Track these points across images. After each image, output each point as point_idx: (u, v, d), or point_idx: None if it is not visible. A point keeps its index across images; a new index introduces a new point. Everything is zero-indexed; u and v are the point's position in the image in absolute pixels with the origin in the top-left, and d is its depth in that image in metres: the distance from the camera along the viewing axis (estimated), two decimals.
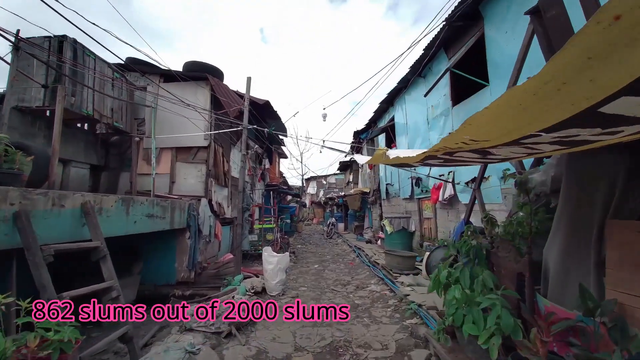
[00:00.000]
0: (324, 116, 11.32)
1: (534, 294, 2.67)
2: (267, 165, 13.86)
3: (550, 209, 2.94)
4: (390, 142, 11.01)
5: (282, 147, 18.33)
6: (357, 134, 15.46)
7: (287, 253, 6.79)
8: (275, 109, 9.80)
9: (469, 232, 3.48)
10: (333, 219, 17.64)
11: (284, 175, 22.59)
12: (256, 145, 11.66)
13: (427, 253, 5.76)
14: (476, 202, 4.34)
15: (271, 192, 17.89)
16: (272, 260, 6.03)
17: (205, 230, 6.83)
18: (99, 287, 3.04)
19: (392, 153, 3.58)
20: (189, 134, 6.99)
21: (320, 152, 15.87)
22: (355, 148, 16.51)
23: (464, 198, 5.99)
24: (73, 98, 4.89)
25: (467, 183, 5.78)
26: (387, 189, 11.16)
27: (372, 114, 12.75)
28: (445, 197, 6.64)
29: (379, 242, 10.78)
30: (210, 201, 7.29)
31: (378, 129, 10.95)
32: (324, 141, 17.80)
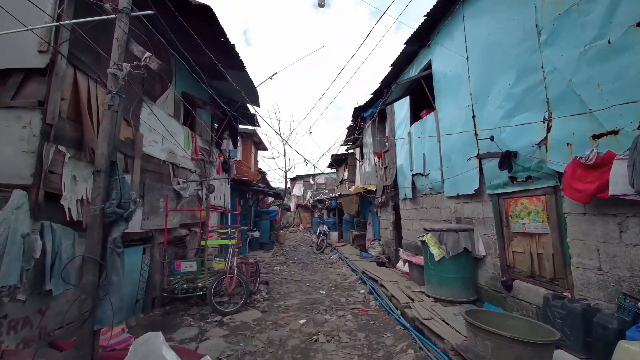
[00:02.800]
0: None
1: None
2: (231, 148, 9.63)
3: None
4: (419, 110, 7.04)
5: (259, 133, 14.13)
6: (357, 113, 11.48)
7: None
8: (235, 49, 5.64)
9: None
10: (325, 227, 13.53)
11: (263, 172, 18.33)
12: (206, 106, 7.46)
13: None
14: None
15: (248, 193, 13.63)
16: None
17: (10, 272, 2.61)
18: None
19: None
20: None
21: (310, 132, 11.80)
22: (355, 132, 12.51)
23: None
24: None
25: None
26: (413, 182, 7.18)
27: (379, 84, 8.79)
28: (620, 189, 2.67)
29: (405, 266, 6.74)
30: (44, 196, 3.06)
31: (400, 86, 6.95)
32: (310, 129, 13.70)
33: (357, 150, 14.92)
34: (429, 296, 4.88)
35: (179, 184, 6.06)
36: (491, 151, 4.41)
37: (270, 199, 24.79)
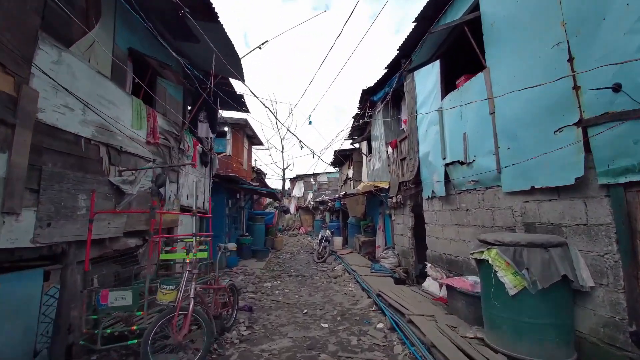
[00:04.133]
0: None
1: None
2: (212, 135, 7.85)
3: None
4: (454, 78, 5.23)
5: (254, 127, 12.36)
6: (365, 97, 9.68)
7: None
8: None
9: None
10: (327, 232, 11.68)
11: (259, 170, 16.55)
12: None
13: None
14: None
15: (239, 193, 11.84)
16: None
17: None
18: None
19: None
20: None
21: (310, 122, 9.98)
22: (362, 120, 10.70)
23: None
24: None
25: None
26: (446, 175, 5.34)
27: (396, 53, 6.99)
28: None
29: (441, 290, 4.89)
30: None
31: (430, 43, 5.05)
32: (310, 117, 11.78)
33: (364, 144, 13.11)
34: (494, 350, 3.05)
35: (120, 175, 4.27)
36: (614, 110, 2.58)
37: (268, 200, 23.01)
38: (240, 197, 12.28)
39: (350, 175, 15.56)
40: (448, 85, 5.48)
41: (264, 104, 14.21)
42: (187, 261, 3.76)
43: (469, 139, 4.68)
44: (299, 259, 11.97)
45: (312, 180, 24.73)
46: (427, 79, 6.01)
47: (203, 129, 7.46)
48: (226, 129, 11.83)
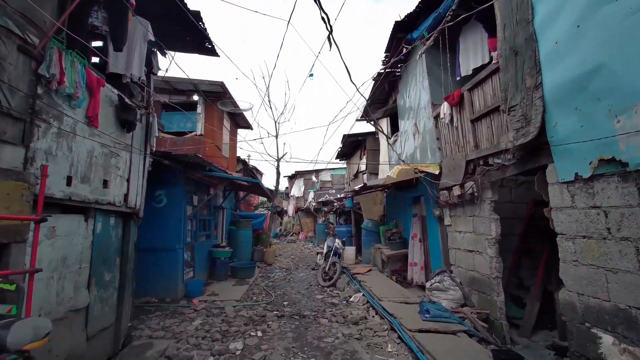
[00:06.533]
0: None
1: None
2: (143, 79, 4.44)
3: None
4: None
5: (235, 98, 9.01)
6: (398, 35, 6.38)
7: None
8: None
9: None
10: (337, 243, 8.32)
11: (246, 161, 13.24)
12: None
13: None
14: None
15: (213, 188, 8.39)
16: None
17: None
18: None
19: None
20: None
21: (311, 75, 6.66)
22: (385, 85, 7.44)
23: None
24: None
25: None
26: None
27: None
28: None
29: None
30: None
31: None
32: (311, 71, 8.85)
33: (385, 122, 9.80)
34: None
35: None
36: None
37: (260, 199, 19.65)
38: (216, 192, 8.94)
39: (363, 168, 12.23)
40: None
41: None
42: None
43: None
44: (296, 279, 8.61)
45: (313, 177, 21.37)
46: None
47: (124, 60, 4.12)
48: (196, 98, 8.53)
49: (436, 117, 5.74)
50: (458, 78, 5.45)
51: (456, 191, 4.75)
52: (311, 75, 6.70)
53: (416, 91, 6.73)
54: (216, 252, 7.91)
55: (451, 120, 5.05)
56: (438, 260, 5.86)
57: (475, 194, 4.38)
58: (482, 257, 4.43)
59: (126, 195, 4.33)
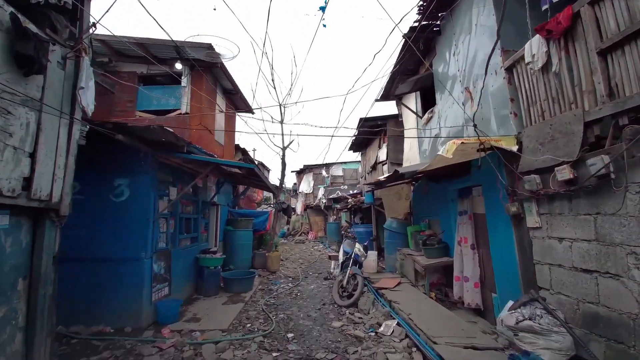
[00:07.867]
0: None
1: None
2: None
3: None
4: None
5: (231, 73, 7.28)
6: None
7: None
8: None
9: None
10: (356, 248, 6.55)
11: (246, 151, 11.59)
12: None
13: None
14: None
15: (211, 180, 6.53)
16: None
17: None
18: None
19: None
20: None
21: (324, 26, 4.92)
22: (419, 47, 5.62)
23: None
24: None
25: None
26: None
27: None
28: None
29: None
30: None
31: None
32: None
33: (414, 98, 7.95)
34: None
35: None
36: None
37: (265, 194, 17.98)
38: (206, 185, 7.27)
39: (383, 158, 10.41)
40: None
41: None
42: None
43: None
44: (305, 293, 6.87)
45: (323, 171, 19.59)
46: None
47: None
48: (179, 66, 6.84)
49: (509, 69, 3.91)
50: (545, 6, 3.61)
51: (563, 174, 2.92)
52: (324, 25, 4.90)
53: (470, 42, 4.89)
54: (204, 260, 6.24)
55: (546, 63, 3.22)
56: (510, 277, 4.04)
57: (612, 175, 2.55)
58: (617, 284, 2.61)
59: (29, 180, 2.66)
